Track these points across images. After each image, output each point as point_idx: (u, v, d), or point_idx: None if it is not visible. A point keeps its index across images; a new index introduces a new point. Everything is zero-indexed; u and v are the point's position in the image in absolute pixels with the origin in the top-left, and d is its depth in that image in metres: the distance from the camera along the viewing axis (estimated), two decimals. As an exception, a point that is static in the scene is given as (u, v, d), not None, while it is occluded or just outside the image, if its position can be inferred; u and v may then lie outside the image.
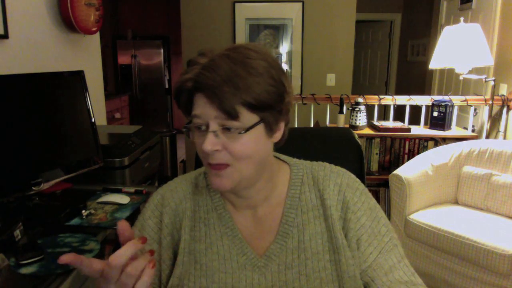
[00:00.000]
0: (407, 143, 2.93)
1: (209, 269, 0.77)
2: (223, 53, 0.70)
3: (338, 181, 0.81)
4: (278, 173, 0.82)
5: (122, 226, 0.62)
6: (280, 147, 0.81)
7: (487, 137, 2.91)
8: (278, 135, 0.76)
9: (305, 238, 0.78)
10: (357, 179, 0.84)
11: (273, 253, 0.78)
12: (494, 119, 3.04)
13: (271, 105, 0.71)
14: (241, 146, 0.70)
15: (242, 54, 0.70)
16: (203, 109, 0.69)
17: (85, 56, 2.20)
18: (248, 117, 0.69)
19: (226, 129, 0.69)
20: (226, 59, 0.68)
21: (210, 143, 0.68)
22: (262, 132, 0.72)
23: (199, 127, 0.71)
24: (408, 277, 0.77)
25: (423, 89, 4.84)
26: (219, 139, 0.69)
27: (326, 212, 0.79)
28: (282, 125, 0.76)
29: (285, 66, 3.88)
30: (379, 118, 3.18)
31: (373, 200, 0.83)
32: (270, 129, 0.73)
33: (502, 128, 2.97)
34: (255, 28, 3.85)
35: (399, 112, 3.16)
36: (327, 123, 3.22)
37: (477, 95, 3.03)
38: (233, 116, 0.67)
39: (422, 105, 3.05)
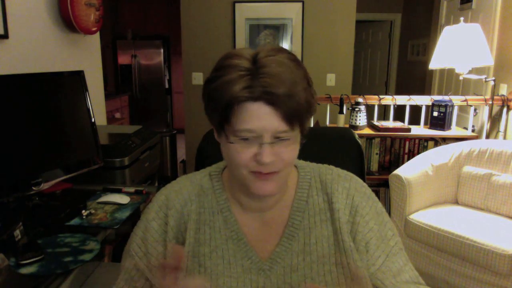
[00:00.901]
0: (407, 143, 2.93)
1: (213, 273, 0.77)
2: (270, 58, 0.67)
3: (347, 185, 0.81)
4: (288, 176, 0.82)
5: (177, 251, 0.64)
6: None
7: (487, 137, 2.91)
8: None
9: (311, 241, 0.78)
10: (364, 184, 0.84)
11: (278, 256, 0.78)
12: (494, 119, 3.04)
13: (310, 112, 0.72)
14: (292, 154, 0.71)
15: (287, 61, 0.69)
16: (260, 120, 0.66)
17: (85, 56, 2.20)
18: (297, 126, 0.70)
19: (279, 139, 0.68)
20: (278, 67, 0.66)
21: (269, 156, 0.67)
22: (299, 137, 0.73)
23: (245, 139, 0.68)
24: (415, 279, 0.79)
25: (423, 89, 4.84)
26: (273, 149, 0.68)
27: (333, 215, 0.79)
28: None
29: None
30: (379, 118, 3.18)
31: (380, 204, 0.83)
32: (303, 135, 0.74)
33: (502, 128, 2.97)
34: (255, 28, 3.85)
35: (399, 112, 3.16)
36: (327, 123, 3.22)
37: (477, 95, 3.03)
38: (294, 125, 0.68)
39: (422, 105, 3.04)
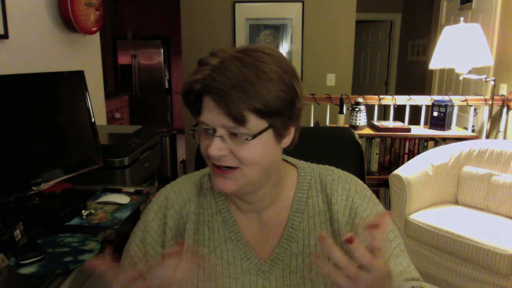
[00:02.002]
0: (407, 143, 2.93)
1: (212, 273, 0.77)
2: (235, 55, 0.68)
3: (347, 186, 0.80)
4: (286, 176, 0.81)
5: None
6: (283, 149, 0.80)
7: (487, 137, 2.91)
8: (287, 140, 0.74)
9: (311, 242, 0.78)
10: (365, 185, 0.84)
11: (277, 257, 0.77)
12: (494, 119, 3.04)
13: (281, 111, 0.69)
14: (248, 152, 0.68)
15: (254, 57, 0.68)
16: (211, 113, 0.67)
17: (85, 56, 2.20)
18: (256, 123, 0.67)
19: (233, 135, 0.67)
20: (237, 62, 0.66)
21: (216, 148, 0.67)
22: (270, 138, 0.70)
23: (206, 130, 0.70)
24: (417, 279, 0.78)
25: (423, 89, 4.84)
26: (226, 143, 0.68)
27: (332, 217, 0.79)
28: (292, 130, 0.74)
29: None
30: (379, 118, 3.18)
31: (381, 206, 0.82)
32: (279, 135, 0.71)
33: (502, 128, 2.97)
34: (255, 28, 3.85)
35: (399, 112, 3.16)
36: (327, 123, 3.22)
37: (477, 95, 3.03)
38: (240, 121, 0.66)
39: (422, 105, 3.04)
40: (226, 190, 0.72)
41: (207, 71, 0.67)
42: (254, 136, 0.67)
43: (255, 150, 0.68)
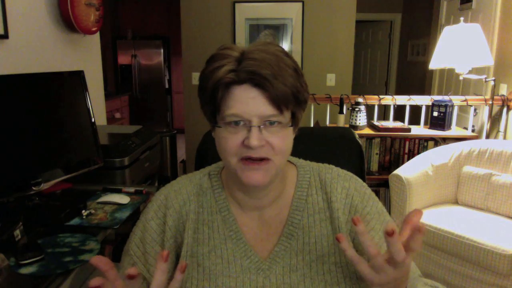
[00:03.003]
0: (407, 143, 2.93)
1: (212, 272, 0.77)
2: (255, 48, 0.69)
3: (346, 185, 0.81)
4: (286, 174, 0.82)
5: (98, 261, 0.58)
6: None
7: (487, 137, 2.91)
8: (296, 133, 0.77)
9: (311, 240, 0.78)
10: (364, 184, 0.84)
11: (277, 255, 0.77)
12: (494, 119, 3.04)
13: (301, 101, 0.72)
14: (283, 141, 0.70)
15: (276, 51, 0.70)
16: (247, 104, 0.67)
17: (85, 56, 2.20)
18: (287, 112, 0.70)
19: (270, 124, 0.68)
20: (262, 53, 0.68)
21: (256, 138, 0.67)
22: (292, 128, 0.73)
23: (236, 122, 0.69)
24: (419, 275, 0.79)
25: (423, 89, 4.84)
26: (262, 134, 0.68)
27: (332, 214, 0.79)
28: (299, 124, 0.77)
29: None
30: (379, 118, 3.18)
31: (380, 204, 0.83)
32: (296, 126, 0.74)
33: (502, 128, 2.97)
34: (255, 28, 3.85)
35: (399, 112, 3.16)
36: (327, 123, 3.22)
37: (477, 95, 3.03)
38: (281, 109, 0.68)
39: (422, 105, 3.05)
40: (259, 183, 0.71)
41: (241, 60, 0.67)
42: (290, 124, 0.70)
43: (287, 139, 0.71)
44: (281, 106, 0.67)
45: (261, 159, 0.70)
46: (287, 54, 0.72)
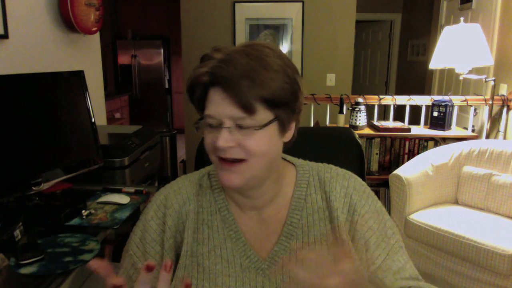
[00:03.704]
0: (407, 143, 2.93)
1: (212, 272, 0.77)
2: (240, 49, 0.70)
3: (345, 183, 0.81)
4: (285, 174, 0.82)
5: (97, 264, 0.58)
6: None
7: (487, 137, 2.91)
8: (289, 135, 0.76)
9: (310, 240, 0.78)
10: (363, 182, 0.84)
11: (276, 255, 0.77)
12: (494, 119, 3.04)
13: (286, 102, 0.71)
14: (256, 143, 0.69)
15: (258, 51, 0.70)
16: (218, 105, 0.68)
17: (85, 56, 2.20)
18: (263, 114, 0.69)
19: (240, 126, 0.68)
20: (243, 55, 0.68)
21: (224, 140, 0.68)
22: (275, 130, 0.72)
23: (211, 124, 0.70)
24: (415, 277, 0.79)
25: (423, 89, 4.83)
26: (233, 135, 0.68)
27: (331, 214, 0.79)
28: (293, 125, 0.76)
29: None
30: (379, 118, 3.18)
31: (379, 203, 0.83)
32: (283, 128, 0.73)
33: (502, 128, 2.97)
34: (255, 28, 3.85)
35: (399, 112, 3.16)
36: (327, 123, 3.22)
37: (477, 95, 3.03)
38: (250, 111, 0.67)
39: (422, 105, 3.04)
40: (233, 184, 0.72)
41: (214, 63, 0.69)
42: (262, 127, 0.69)
43: (262, 141, 0.70)
44: (251, 109, 0.67)
45: (234, 161, 0.70)
46: (277, 55, 0.71)
